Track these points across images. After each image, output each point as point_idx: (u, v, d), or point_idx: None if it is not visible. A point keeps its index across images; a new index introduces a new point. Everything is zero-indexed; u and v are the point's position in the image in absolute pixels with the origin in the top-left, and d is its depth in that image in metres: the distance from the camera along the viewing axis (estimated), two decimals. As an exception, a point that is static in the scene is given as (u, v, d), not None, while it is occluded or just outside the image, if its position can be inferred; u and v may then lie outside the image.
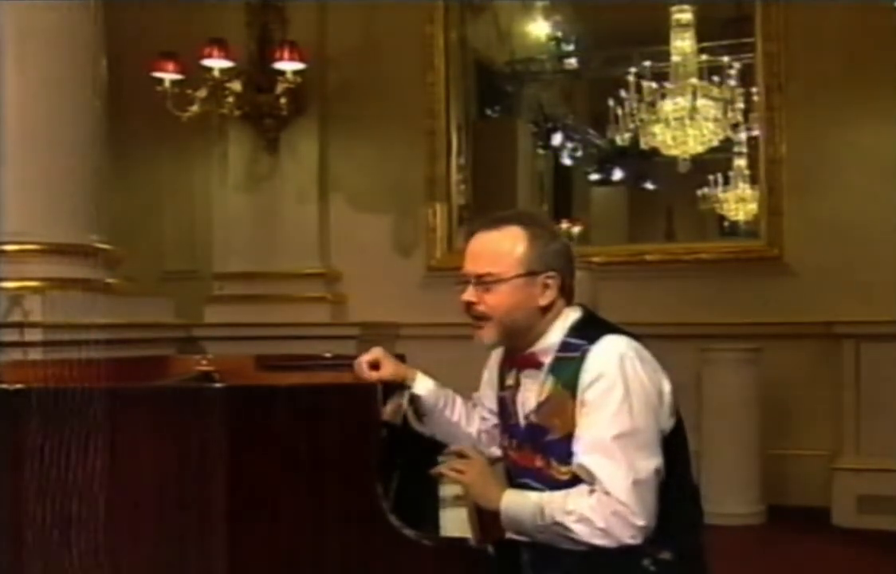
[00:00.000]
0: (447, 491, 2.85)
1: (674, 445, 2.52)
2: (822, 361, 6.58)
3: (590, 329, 2.57)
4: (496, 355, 2.85)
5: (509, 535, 2.52)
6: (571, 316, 2.62)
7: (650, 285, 6.74)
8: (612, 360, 2.47)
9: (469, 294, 2.62)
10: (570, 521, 2.40)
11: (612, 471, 2.39)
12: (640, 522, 2.38)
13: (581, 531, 2.39)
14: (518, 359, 2.67)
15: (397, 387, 3.03)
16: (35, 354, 4.87)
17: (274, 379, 3.16)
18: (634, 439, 2.42)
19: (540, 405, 2.57)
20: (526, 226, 2.62)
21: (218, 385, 2.46)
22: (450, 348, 7.12)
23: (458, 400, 3.03)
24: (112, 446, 2.11)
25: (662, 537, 2.45)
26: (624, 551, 2.42)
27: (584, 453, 2.44)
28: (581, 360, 2.50)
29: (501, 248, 2.59)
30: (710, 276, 6.94)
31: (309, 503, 2.12)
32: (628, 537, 2.38)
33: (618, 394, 2.43)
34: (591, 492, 2.42)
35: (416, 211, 7.58)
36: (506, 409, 2.75)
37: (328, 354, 4.01)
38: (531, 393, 2.62)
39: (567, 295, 2.64)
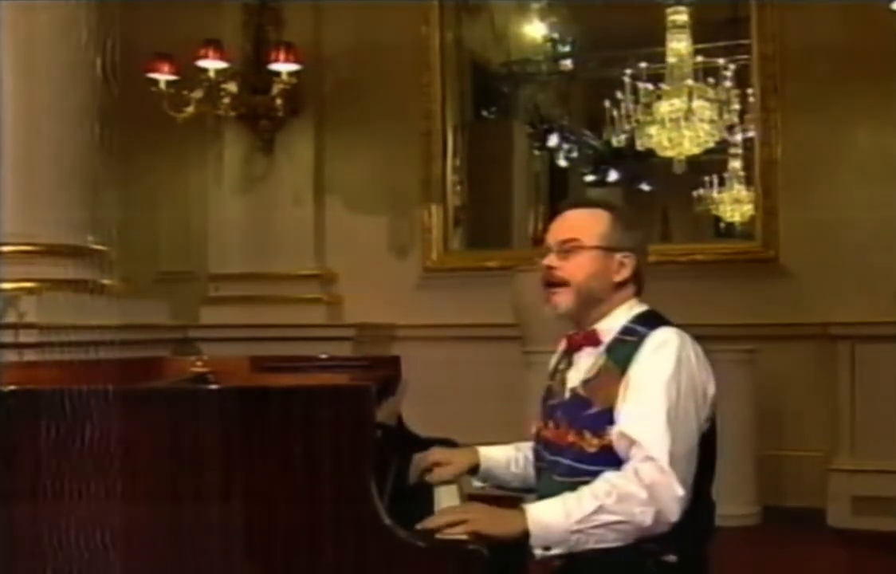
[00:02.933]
0: (443, 492, 2.85)
1: (701, 451, 2.54)
2: (817, 363, 6.60)
3: (653, 320, 2.64)
4: (555, 356, 2.89)
5: (539, 553, 2.42)
6: (637, 307, 2.70)
7: (646, 286, 6.72)
8: (668, 344, 2.54)
9: (551, 259, 2.72)
10: (609, 503, 2.38)
11: (655, 437, 2.42)
12: (681, 492, 2.40)
13: (624, 510, 2.38)
14: (579, 337, 2.73)
15: (392, 387, 3.05)
16: (31, 356, 4.86)
17: (269, 380, 3.16)
18: (678, 415, 2.46)
19: (588, 379, 2.63)
20: (611, 209, 2.75)
21: (211, 386, 2.45)
22: (445, 349, 7.22)
23: (523, 449, 3.03)
24: (105, 448, 2.10)
25: (670, 540, 2.46)
26: (631, 549, 2.42)
27: (627, 421, 2.47)
28: (638, 343, 2.57)
29: (587, 221, 2.72)
30: (705, 278, 6.96)
31: (303, 505, 2.12)
32: (671, 507, 2.39)
33: (668, 371, 2.49)
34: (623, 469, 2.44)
35: (412, 212, 7.59)
36: (551, 392, 2.81)
37: (324, 355, 4.01)
38: (582, 368, 2.68)
39: (639, 281, 2.73)
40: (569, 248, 2.69)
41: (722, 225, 8.48)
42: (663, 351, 2.53)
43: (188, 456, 2.12)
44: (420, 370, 6.74)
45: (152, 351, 5.66)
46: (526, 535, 2.39)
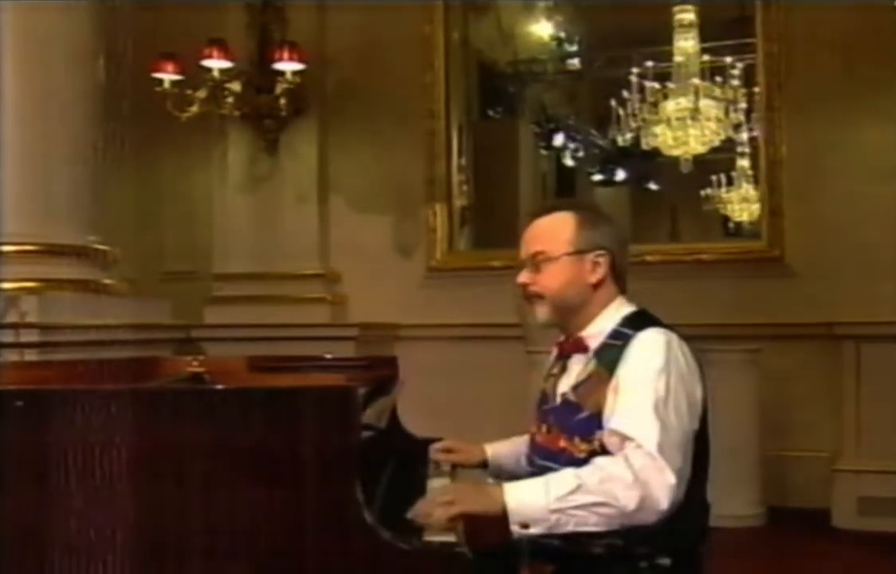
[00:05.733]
0: (436, 486, 2.85)
1: (693, 453, 2.51)
2: (822, 362, 6.55)
3: (641, 321, 2.61)
4: (550, 359, 2.88)
5: (517, 530, 2.35)
6: (625, 308, 2.67)
7: (650, 286, 6.61)
8: (655, 343, 2.51)
9: (523, 276, 2.71)
10: (591, 483, 2.33)
11: (645, 429, 2.38)
12: (672, 480, 2.34)
13: (606, 491, 2.32)
14: (568, 345, 2.72)
15: (383, 389, 3.05)
16: (31, 355, 4.87)
17: (263, 381, 3.15)
18: (667, 407, 2.43)
19: (579, 384, 2.61)
20: (574, 210, 2.73)
21: (195, 387, 2.44)
22: (449, 349, 7.22)
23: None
24: (89, 448, 2.10)
25: (664, 541, 2.45)
26: (623, 552, 2.42)
27: (617, 420, 2.44)
28: (625, 346, 2.54)
29: (551, 229, 2.70)
30: (710, 277, 6.92)
31: (288, 505, 2.11)
32: (660, 494, 2.32)
33: (656, 367, 2.46)
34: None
35: (416, 212, 7.57)
36: (545, 397, 2.78)
37: (329, 356, 4.01)
38: (573, 374, 2.66)
39: (618, 276, 2.70)
40: (538, 262, 2.68)
41: (731, 224, 8.47)
42: (650, 349, 2.50)
43: (172, 456, 2.12)
44: (424, 370, 6.78)
45: (155, 351, 5.67)
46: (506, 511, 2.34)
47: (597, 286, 2.66)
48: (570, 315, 2.70)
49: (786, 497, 6.52)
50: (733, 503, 6.10)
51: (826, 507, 6.30)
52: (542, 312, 2.71)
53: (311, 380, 3.04)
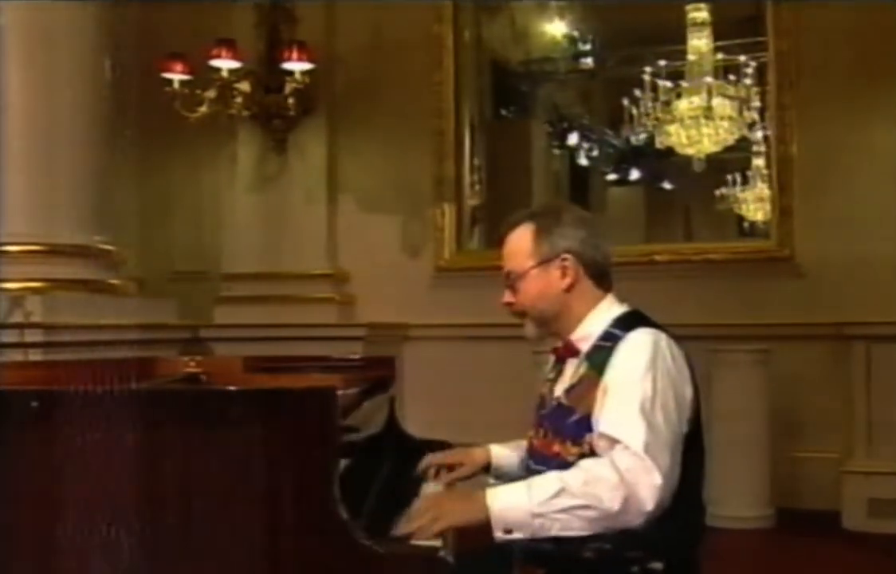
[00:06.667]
0: (429, 491, 2.84)
1: (686, 454, 2.49)
2: (832, 363, 6.52)
3: (632, 322, 2.61)
4: (549, 364, 2.88)
5: (500, 536, 2.35)
6: (616, 309, 2.67)
7: (660, 286, 6.60)
8: (642, 344, 2.51)
9: (506, 296, 2.73)
10: (574, 486, 2.32)
11: (631, 429, 2.37)
12: (659, 481, 2.32)
13: (589, 493, 2.31)
14: (561, 350, 2.72)
15: (379, 389, 3.04)
16: (36, 356, 4.88)
17: (256, 381, 3.14)
18: (653, 407, 2.42)
19: (571, 387, 2.61)
20: (534, 219, 2.71)
21: (170, 388, 2.43)
22: (457, 349, 7.20)
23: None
24: (67, 450, 2.10)
25: (656, 545, 2.42)
26: (614, 557, 2.39)
27: (606, 423, 2.43)
28: (614, 347, 2.54)
29: (515, 246, 2.71)
30: (720, 277, 6.88)
31: (265, 507, 2.10)
32: (646, 494, 2.31)
33: (641, 367, 2.46)
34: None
35: (425, 211, 7.55)
36: (542, 401, 2.78)
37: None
38: (567, 377, 2.66)
39: (598, 274, 2.68)
40: (512, 281, 2.70)
41: (746, 224, 8.41)
42: (637, 350, 2.50)
43: (147, 460, 2.10)
44: (432, 370, 6.77)
45: (162, 351, 5.65)
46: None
47: (571, 290, 2.65)
48: (552, 325, 2.70)
49: (795, 499, 6.47)
50: (742, 505, 6.08)
51: (836, 509, 6.26)
52: (528, 329, 2.74)
53: (304, 380, 3.03)
